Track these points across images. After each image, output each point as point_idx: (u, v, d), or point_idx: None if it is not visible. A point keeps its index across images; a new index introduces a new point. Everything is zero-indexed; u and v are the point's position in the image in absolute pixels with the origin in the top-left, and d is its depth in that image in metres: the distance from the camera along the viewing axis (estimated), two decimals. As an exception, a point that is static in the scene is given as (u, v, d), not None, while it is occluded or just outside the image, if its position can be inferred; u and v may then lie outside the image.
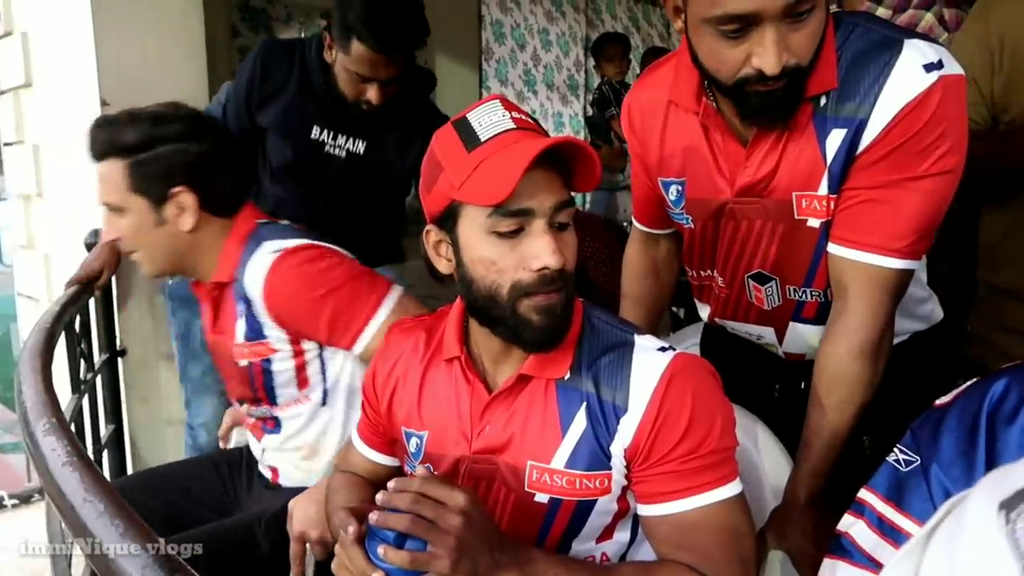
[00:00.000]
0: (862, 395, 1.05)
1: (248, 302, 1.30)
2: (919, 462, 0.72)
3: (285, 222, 1.42)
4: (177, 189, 1.28)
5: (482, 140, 0.87)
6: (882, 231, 1.02)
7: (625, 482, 0.94)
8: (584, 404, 0.93)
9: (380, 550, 0.79)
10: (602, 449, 0.93)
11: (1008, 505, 0.40)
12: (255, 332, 1.32)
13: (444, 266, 0.95)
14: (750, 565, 0.90)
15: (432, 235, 0.95)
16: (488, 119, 0.88)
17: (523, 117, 0.90)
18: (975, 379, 0.71)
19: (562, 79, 4.86)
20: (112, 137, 1.26)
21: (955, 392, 0.73)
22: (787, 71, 0.95)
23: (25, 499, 3.01)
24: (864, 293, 1.04)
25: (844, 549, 0.78)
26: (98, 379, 2.24)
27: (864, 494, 0.77)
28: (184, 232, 1.30)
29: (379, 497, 0.81)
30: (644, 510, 0.93)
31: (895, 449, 0.76)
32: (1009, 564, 0.37)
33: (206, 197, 1.30)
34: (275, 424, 1.41)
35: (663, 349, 0.93)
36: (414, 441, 1.04)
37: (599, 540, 0.99)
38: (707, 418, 0.90)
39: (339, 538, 0.86)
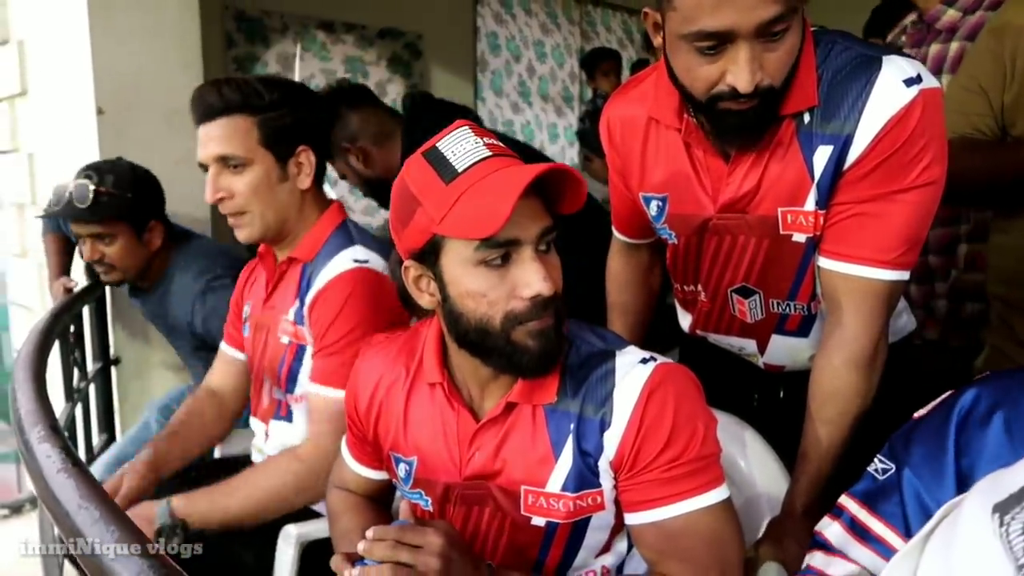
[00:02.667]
0: (858, 407, 1.06)
1: (309, 287, 1.35)
2: (894, 469, 0.74)
3: (372, 231, 1.47)
4: (302, 147, 1.34)
5: (459, 171, 0.84)
6: (872, 243, 1.03)
7: (615, 496, 0.95)
8: (572, 426, 0.93)
9: None
10: (590, 467, 0.93)
11: (1002, 508, 0.40)
12: (302, 316, 1.36)
13: (427, 301, 0.93)
14: (733, 570, 0.90)
15: (412, 271, 0.92)
16: (461, 148, 0.85)
17: (495, 143, 0.88)
18: (949, 392, 0.73)
19: (557, 91, 4.88)
20: (243, 94, 1.29)
21: (932, 404, 0.75)
22: (760, 91, 0.96)
23: (16, 509, 2.99)
24: (858, 306, 1.05)
25: (818, 543, 0.81)
26: (91, 388, 2.24)
27: (843, 499, 0.80)
28: (299, 191, 1.35)
29: (360, 547, 0.84)
30: (631, 519, 0.94)
31: (875, 459, 0.78)
32: (1004, 566, 0.38)
33: (320, 161, 1.38)
34: (287, 412, 1.43)
35: (645, 360, 0.93)
36: (403, 467, 1.03)
37: (598, 555, 1.00)
38: (689, 425, 0.89)
39: None
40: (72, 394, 2.01)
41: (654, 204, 1.23)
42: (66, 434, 1.79)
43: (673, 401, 0.89)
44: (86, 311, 2.26)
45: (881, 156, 0.99)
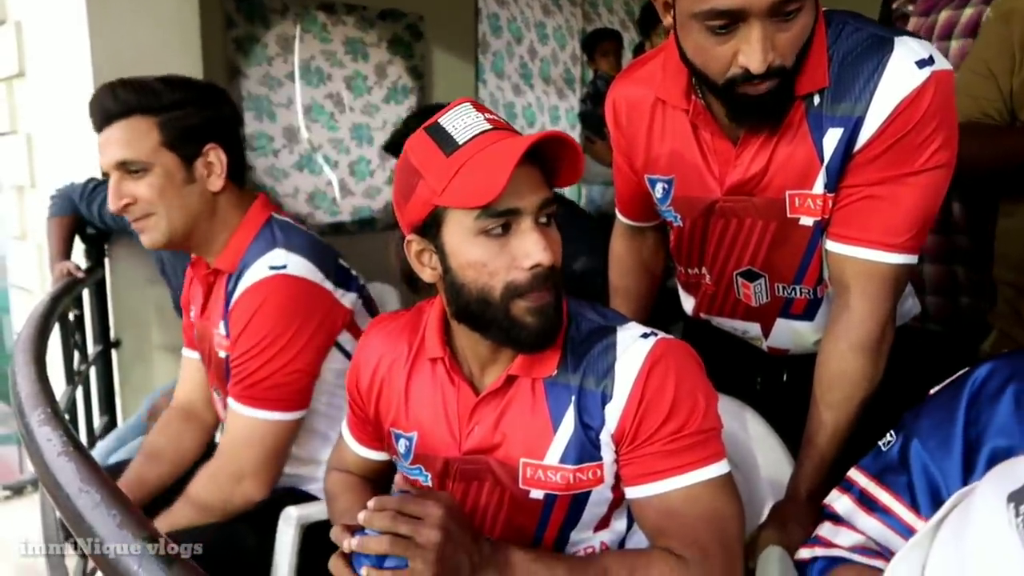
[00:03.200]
0: (864, 391, 1.05)
1: (231, 299, 1.30)
2: (903, 441, 0.75)
3: (299, 226, 1.39)
4: (210, 146, 1.28)
5: (460, 143, 0.85)
6: (882, 227, 1.02)
7: (616, 468, 0.95)
8: (573, 398, 0.93)
9: (363, 571, 0.83)
10: (592, 440, 0.93)
11: (1016, 498, 0.40)
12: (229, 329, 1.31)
13: (429, 275, 0.93)
14: (733, 550, 0.90)
15: (414, 244, 0.92)
16: (462, 122, 0.87)
17: (496, 118, 0.89)
18: (965, 369, 0.74)
19: (558, 73, 4.84)
20: (140, 95, 1.24)
21: (946, 381, 0.76)
22: (772, 71, 0.95)
23: (18, 490, 3.00)
24: (865, 289, 1.04)
25: (826, 515, 0.82)
26: (92, 371, 2.24)
27: (853, 472, 0.80)
28: (210, 193, 1.29)
29: (360, 517, 0.83)
30: (631, 492, 0.94)
31: (887, 435, 0.79)
32: (1019, 555, 0.37)
33: (232, 159, 1.31)
34: None
35: (646, 335, 0.94)
36: (403, 443, 1.03)
37: (596, 529, 1.00)
38: (690, 398, 0.90)
39: (331, 561, 0.88)
40: (73, 377, 2.01)
41: (660, 186, 1.22)
42: (67, 417, 1.80)
43: (674, 374, 0.90)
44: (86, 294, 2.25)
45: (892, 138, 0.98)
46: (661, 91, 1.14)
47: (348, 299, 1.34)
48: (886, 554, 0.74)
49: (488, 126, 0.86)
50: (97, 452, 1.92)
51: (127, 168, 1.24)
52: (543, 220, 0.88)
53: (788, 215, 1.09)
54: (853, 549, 0.77)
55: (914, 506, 0.71)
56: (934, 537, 0.45)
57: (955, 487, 0.67)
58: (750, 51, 0.92)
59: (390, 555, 0.82)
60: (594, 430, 0.93)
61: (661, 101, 1.15)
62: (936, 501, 0.69)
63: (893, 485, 0.74)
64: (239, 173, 1.34)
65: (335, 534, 0.87)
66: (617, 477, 0.95)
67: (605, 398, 0.92)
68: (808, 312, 1.19)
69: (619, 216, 1.42)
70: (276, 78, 3.28)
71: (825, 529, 0.81)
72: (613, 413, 0.91)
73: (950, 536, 0.44)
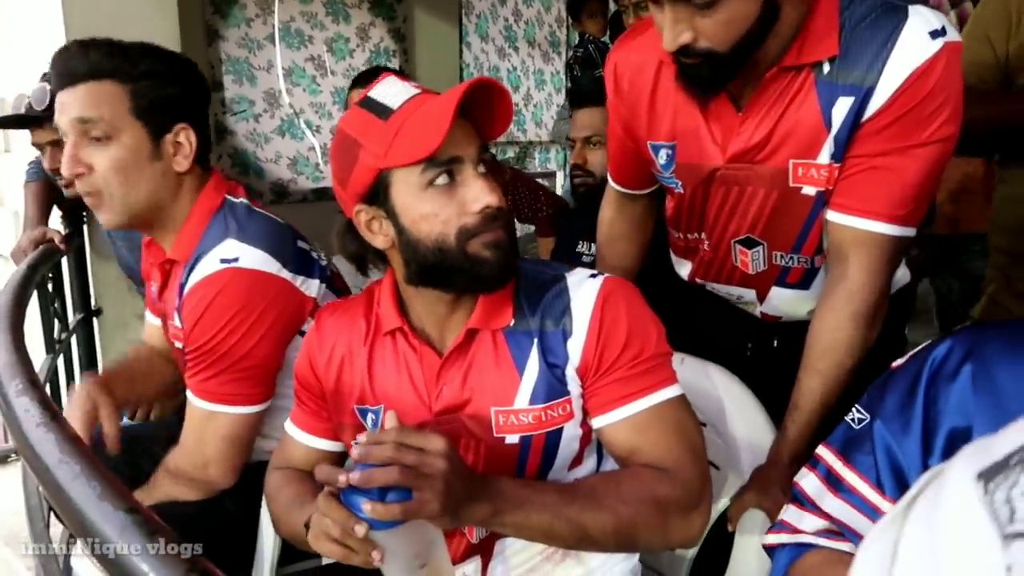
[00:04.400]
0: (854, 360, 1.06)
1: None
2: (868, 419, 0.75)
3: (251, 205, 1.31)
4: (181, 125, 1.21)
5: (394, 108, 0.89)
6: (885, 198, 1.02)
7: (583, 402, 0.97)
8: (534, 341, 0.96)
9: (367, 506, 0.76)
10: (558, 377, 0.96)
11: (986, 475, 0.40)
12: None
13: (381, 241, 0.94)
14: (702, 458, 0.96)
15: (363, 215, 0.94)
16: (391, 91, 0.91)
17: (420, 85, 0.93)
18: (927, 343, 0.73)
19: (543, 35, 4.78)
20: (115, 59, 1.15)
21: (908, 355, 0.75)
22: (695, 52, 0.98)
23: (2, 459, 2.99)
24: (865, 260, 1.04)
25: (794, 496, 0.82)
26: (73, 340, 2.22)
27: (820, 449, 0.81)
28: (174, 173, 1.22)
29: (354, 452, 0.79)
30: (600, 421, 0.96)
31: (853, 408, 0.79)
32: (989, 533, 0.38)
33: (201, 141, 1.25)
34: None
35: (593, 275, 0.99)
36: (370, 417, 1.03)
37: (571, 468, 1.02)
38: (643, 326, 0.96)
39: (318, 502, 0.82)
40: (54, 346, 1.99)
41: (663, 152, 1.21)
42: (48, 387, 1.78)
43: (625, 305, 0.96)
44: (65, 261, 2.22)
45: (902, 109, 0.98)
46: (665, 55, 1.13)
47: (311, 287, 1.27)
48: (849, 536, 0.74)
49: (417, 91, 0.91)
50: None
51: (89, 131, 1.15)
52: (482, 169, 0.92)
53: (791, 184, 1.09)
54: (818, 533, 0.78)
55: (879, 486, 0.72)
56: (906, 517, 0.45)
57: (915, 467, 0.68)
58: (662, 31, 0.99)
59: (393, 488, 0.77)
60: (559, 367, 0.96)
61: (665, 64, 1.14)
62: (900, 482, 0.70)
63: (859, 464, 0.74)
64: (204, 157, 1.27)
65: (322, 473, 0.81)
66: (585, 411, 0.98)
67: (566, 334, 0.96)
68: (804, 281, 1.19)
69: (611, 183, 1.41)
70: (255, 40, 3.21)
71: (790, 514, 0.82)
72: (575, 347, 0.95)
73: (922, 514, 0.44)
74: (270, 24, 3.24)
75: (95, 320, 2.33)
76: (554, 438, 0.98)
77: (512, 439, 0.97)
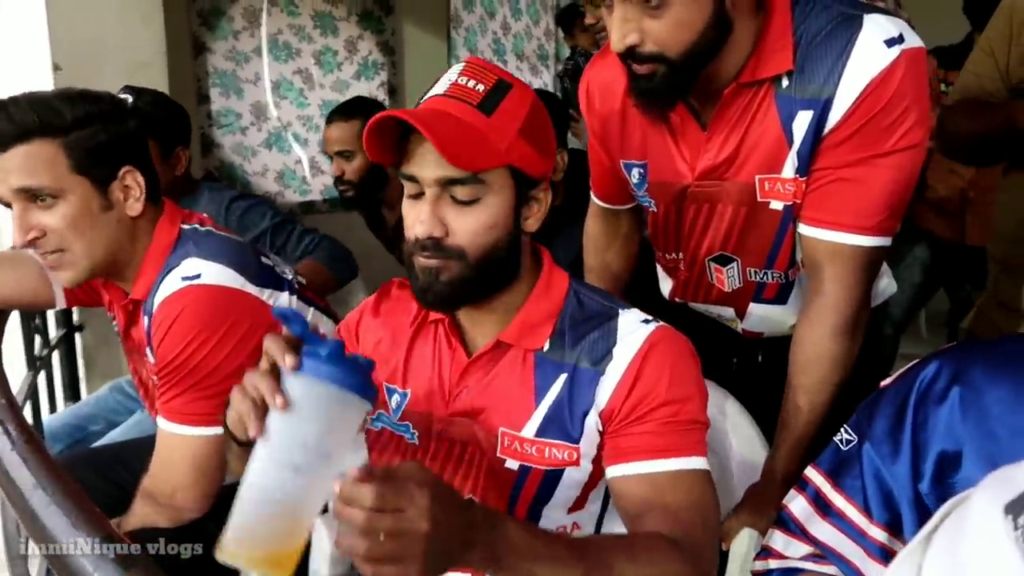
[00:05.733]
0: (839, 374, 1.05)
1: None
2: (856, 441, 0.74)
3: (210, 228, 1.28)
4: (126, 169, 1.17)
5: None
6: (854, 209, 1.02)
7: (595, 452, 0.94)
8: (564, 376, 0.93)
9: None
10: (575, 421, 0.92)
11: (1014, 508, 0.39)
12: None
13: None
14: (715, 534, 0.92)
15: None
16: (440, 82, 0.91)
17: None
18: (914, 361, 0.73)
19: (532, 48, 4.79)
20: (40, 114, 1.10)
21: (897, 373, 0.74)
22: (645, 56, 0.97)
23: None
24: (839, 273, 1.04)
25: (782, 520, 0.81)
26: (55, 356, 2.18)
27: (809, 471, 0.80)
28: (129, 219, 1.19)
29: (333, 508, 0.68)
30: (617, 470, 0.91)
31: (842, 429, 0.78)
32: (1019, 570, 0.36)
33: (149, 179, 1.21)
34: None
35: (647, 321, 0.94)
36: (396, 398, 1.02)
37: (571, 510, 0.99)
38: (687, 386, 0.91)
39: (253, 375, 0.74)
40: (35, 362, 1.95)
41: (636, 171, 1.20)
42: (29, 404, 1.75)
43: (672, 359, 0.91)
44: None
45: (862, 120, 0.97)
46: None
47: (281, 300, 1.25)
48: (834, 560, 0.74)
49: (442, 91, 0.89)
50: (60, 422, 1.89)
51: (33, 197, 1.11)
52: (457, 199, 0.87)
53: (759, 199, 1.08)
54: (805, 559, 0.77)
55: (867, 510, 0.71)
56: (928, 545, 0.43)
57: (905, 492, 0.68)
58: (610, 30, 0.97)
59: None
60: (582, 411, 0.92)
61: None
62: (888, 506, 0.70)
63: (847, 488, 0.74)
64: (155, 192, 1.23)
65: (270, 343, 0.72)
66: (595, 461, 0.94)
67: (599, 374, 0.91)
68: (780, 296, 1.19)
69: (594, 198, 1.40)
70: (243, 53, 3.20)
71: (777, 541, 0.81)
72: (605, 390, 0.91)
73: (944, 545, 0.43)
74: (258, 37, 3.23)
75: (77, 336, 2.30)
76: (553, 477, 0.95)
77: (512, 464, 0.95)
